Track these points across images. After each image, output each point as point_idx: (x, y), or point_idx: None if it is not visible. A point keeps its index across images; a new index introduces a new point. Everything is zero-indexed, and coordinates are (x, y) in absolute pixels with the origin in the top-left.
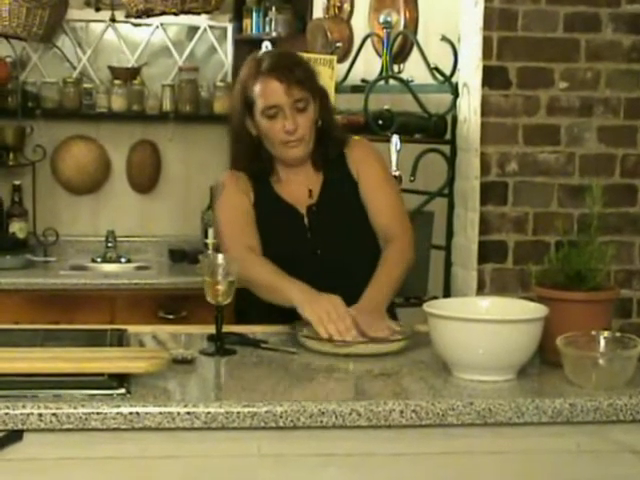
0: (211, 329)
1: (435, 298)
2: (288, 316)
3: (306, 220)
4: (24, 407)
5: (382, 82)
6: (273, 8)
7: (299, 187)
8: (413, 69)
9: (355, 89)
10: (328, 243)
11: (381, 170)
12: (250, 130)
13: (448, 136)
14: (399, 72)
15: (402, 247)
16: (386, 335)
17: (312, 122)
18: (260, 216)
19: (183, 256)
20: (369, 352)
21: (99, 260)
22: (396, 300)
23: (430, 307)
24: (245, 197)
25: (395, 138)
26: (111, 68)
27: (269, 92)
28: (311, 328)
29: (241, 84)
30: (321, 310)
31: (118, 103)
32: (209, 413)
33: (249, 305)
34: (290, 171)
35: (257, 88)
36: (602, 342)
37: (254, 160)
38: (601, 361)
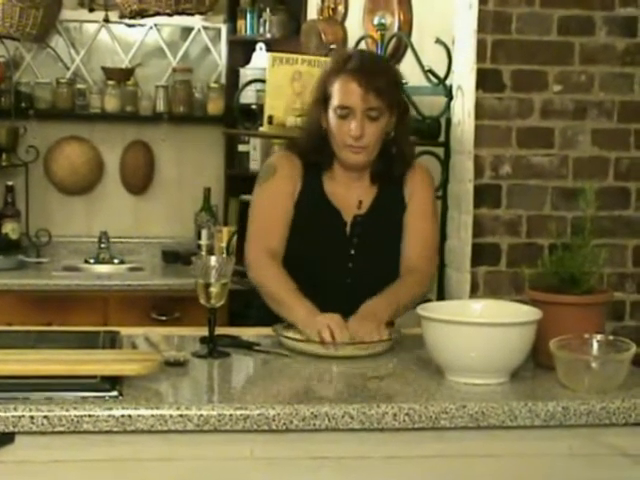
0: (204, 331)
1: (429, 301)
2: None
3: (349, 228)
4: (15, 409)
5: None
6: (267, 9)
7: (350, 194)
8: (407, 71)
9: None
10: (363, 257)
11: (429, 203)
12: (322, 122)
13: (442, 138)
14: None
15: (421, 279)
16: (371, 339)
17: (380, 133)
18: (302, 209)
19: (176, 257)
20: (348, 354)
21: (92, 261)
22: None
23: (423, 310)
24: (290, 186)
25: None
26: (104, 69)
27: (346, 92)
28: (294, 330)
29: (324, 76)
30: (320, 325)
31: (111, 104)
32: (202, 416)
33: (245, 307)
34: (346, 175)
35: (336, 85)
36: (595, 345)
37: (316, 151)
38: (594, 364)
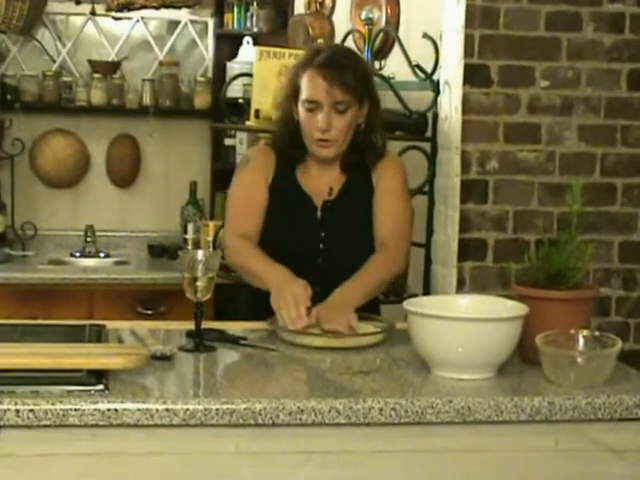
0: (190, 325)
1: (415, 296)
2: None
3: (319, 213)
4: (1, 403)
5: None
6: (254, 3)
7: (321, 182)
8: (394, 66)
9: None
10: (334, 241)
11: (398, 184)
12: (294, 115)
13: (429, 133)
14: (380, 69)
15: (392, 255)
16: (341, 329)
17: (349, 126)
18: (275, 196)
19: (162, 251)
20: (326, 345)
21: (78, 255)
22: (378, 297)
23: (410, 305)
24: (263, 176)
25: None
26: (91, 62)
27: (312, 87)
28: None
29: (294, 70)
30: (283, 296)
31: (98, 97)
32: (188, 410)
33: (230, 301)
34: (318, 166)
35: (304, 79)
36: (581, 341)
37: (292, 145)
38: (580, 360)
